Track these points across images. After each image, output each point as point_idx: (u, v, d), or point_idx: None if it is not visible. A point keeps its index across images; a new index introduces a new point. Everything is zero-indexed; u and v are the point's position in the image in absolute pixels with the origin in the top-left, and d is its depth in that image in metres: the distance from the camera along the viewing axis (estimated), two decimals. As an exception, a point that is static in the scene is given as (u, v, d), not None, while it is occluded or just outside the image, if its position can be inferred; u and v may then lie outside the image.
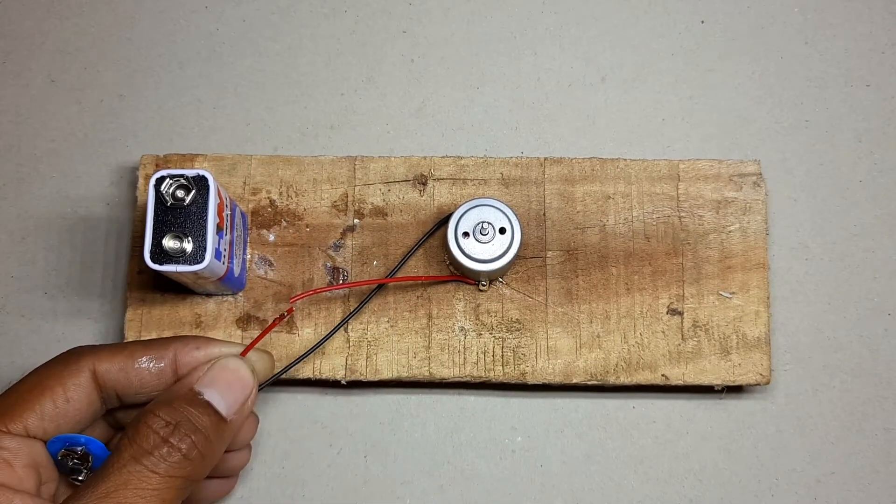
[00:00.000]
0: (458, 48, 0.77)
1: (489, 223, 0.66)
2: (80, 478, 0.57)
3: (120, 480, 0.50)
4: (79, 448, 0.57)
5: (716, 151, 0.74)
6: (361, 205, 0.71)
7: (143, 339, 0.66)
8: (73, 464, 0.58)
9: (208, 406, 0.55)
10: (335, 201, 0.71)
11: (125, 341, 0.61)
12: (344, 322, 0.68)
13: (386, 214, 0.71)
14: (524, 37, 0.77)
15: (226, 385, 0.57)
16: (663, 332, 0.69)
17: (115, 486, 0.50)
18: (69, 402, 0.56)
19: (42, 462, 0.55)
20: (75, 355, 0.57)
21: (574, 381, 0.68)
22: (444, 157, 0.72)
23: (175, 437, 0.52)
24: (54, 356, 0.58)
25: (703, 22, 0.77)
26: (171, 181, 0.61)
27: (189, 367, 0.59)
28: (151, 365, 0.58)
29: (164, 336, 0.67)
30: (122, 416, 0.61)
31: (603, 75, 0.76)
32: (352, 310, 0.68)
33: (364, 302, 0.68)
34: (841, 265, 0.73)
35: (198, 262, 0.60)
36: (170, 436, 0.52)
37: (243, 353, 0.60)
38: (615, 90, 0.76)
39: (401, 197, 0.71)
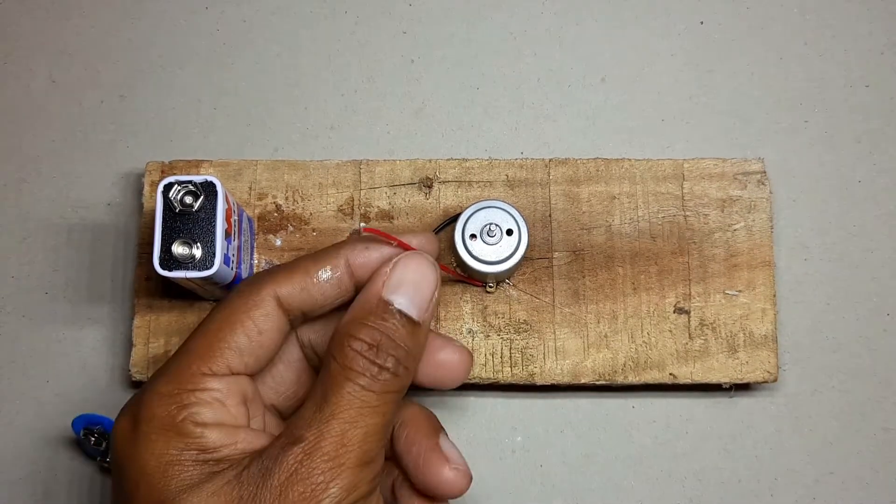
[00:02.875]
0: (458, 48, 0.77)
1: (496, 225, 0.66)
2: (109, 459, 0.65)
3: (343, 402, 0.52)
4: (97, 427, 0.66)
5: (715, 152, 0.74)
6: (367, 208, 0.71)
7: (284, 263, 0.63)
8: (94, 440, 0.66)
9: (401, 316, 0.56)
10: (341, 205, 0.71)
11: (295, 260, 0.60)
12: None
13: (392, 218, 0.71)
14: (524, 37, 0.77)
15: (413, 286, 0.57)
16: (670, 331, 0.69)
17: (339, 409, 0.52)
18: (262, 334, 0.56)
19: (249, 397, 0.56)
20: (255, 286, 0.57)
21: (582, 381, 0.68)
22: (448, 159, 0.72)
23: (381, 358, 0.54)
24: (232, 292, 0.59)
25: (702, 22, 0.77)
26: (178, 188, 0.61)
27: (364, 268, 0.59)
28: (329, 276, 0.59)
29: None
30: (302, 331, 0.62)
31: (603, 75, 0.77)
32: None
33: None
34: (841, 265, 0.73)
35: (207, 268, 0.60)
36: (375, 357, 0.54)
37: (409, 245, 0.60)
38: (615, 90, 0.76)
39: (406, 200, 0.71)
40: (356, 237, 0.61)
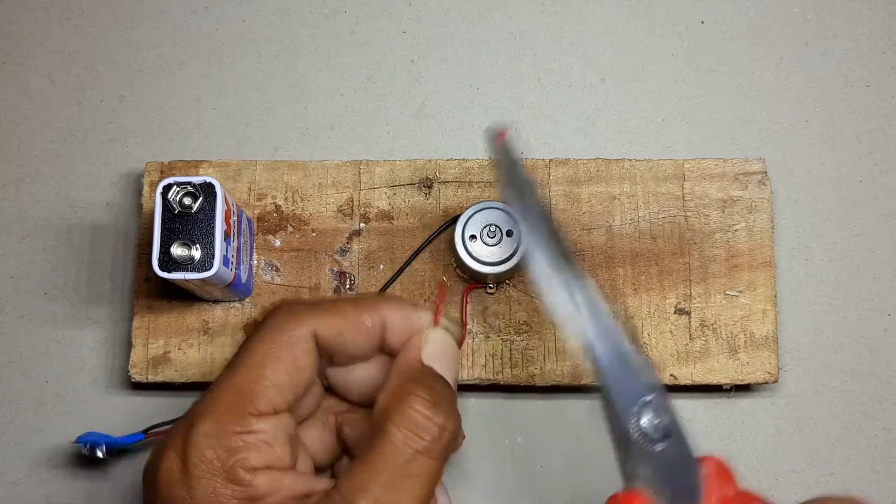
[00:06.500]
0: (458, 48, 0.77)
1: (496, 226, 0.66)
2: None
3: (401, 471, 0.51)
4: (102, 444, 0.67)
5: (716, 152, 0.74)
6: (367, 209, 0.71)
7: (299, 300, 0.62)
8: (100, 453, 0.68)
9: (446, 381, 0.56)
10: (341, 206, 0.71)
11: (332, 299, 0.58)
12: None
13: (392, 218, 0.71)
14: (524, 37, 0.77)
15: (446, 359, 0.57)
16: (671, 331, 0.69)
17: (396, 477, 0.51)
18: (301, 371, 0.55)
19: (292, 433, 0.55)
20: (296, 319, 0.55)
21: (583, 382, 0.68)
22: (448, 159, 0.71)
23: (438, 416, 0.53)
24: (267, 318, 0.56)
25: (703, 22, 0.77)
26: (178, 189, 0.61)
27: (396, 334, 0.58)
28: (368, 325, 0.57)
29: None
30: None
31: (603, 75, 0.76)
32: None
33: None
34: (841, 265, 0.73)
35: (206, 270, 0.60)
36: (433, 415, 0.53)
37: (435, 322, 0.59)
38: (615, 90, 0.76)
39: (406, 200, 0.71)
40: (394, 297, 0.60)
